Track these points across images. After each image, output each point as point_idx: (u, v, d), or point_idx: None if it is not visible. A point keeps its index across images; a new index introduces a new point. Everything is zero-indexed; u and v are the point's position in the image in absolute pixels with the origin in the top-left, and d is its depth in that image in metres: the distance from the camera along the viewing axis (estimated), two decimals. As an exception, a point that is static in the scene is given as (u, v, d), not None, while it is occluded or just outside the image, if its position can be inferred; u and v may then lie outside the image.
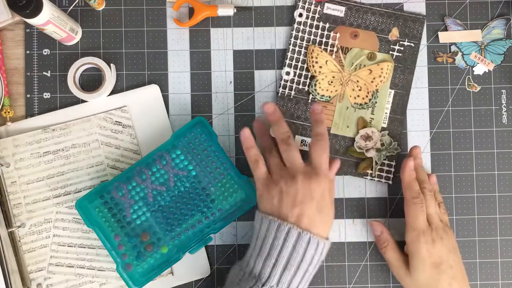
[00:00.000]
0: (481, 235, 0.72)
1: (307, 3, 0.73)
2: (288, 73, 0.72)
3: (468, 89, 0.73)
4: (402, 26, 0.73)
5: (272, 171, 0.64)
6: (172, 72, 0.73)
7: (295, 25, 0.72)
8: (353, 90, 0.72)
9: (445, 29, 0.73)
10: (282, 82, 0.72)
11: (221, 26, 0.73)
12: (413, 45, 0.73)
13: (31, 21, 0.63)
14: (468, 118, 0.73)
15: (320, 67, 0.72)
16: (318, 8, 0.73)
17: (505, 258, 0.72)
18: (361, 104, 0.72)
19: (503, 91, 0.73)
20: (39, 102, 0.72)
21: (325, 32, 0.73)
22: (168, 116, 0.72)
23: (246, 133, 0.66)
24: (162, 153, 0.69)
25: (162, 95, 0.72)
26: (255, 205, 0.71)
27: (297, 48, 0.73)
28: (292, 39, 0.72)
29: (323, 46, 0.72)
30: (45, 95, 0.72)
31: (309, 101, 0.72)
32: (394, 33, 0.72)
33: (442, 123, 0.73)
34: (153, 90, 0.72)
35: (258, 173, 0.64)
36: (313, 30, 0.73)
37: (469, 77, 0.73)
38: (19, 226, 0.70)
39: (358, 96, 0.72)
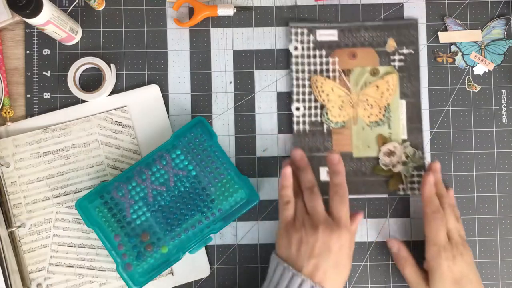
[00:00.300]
0: (481, 235, 0.72)
1: (299, 35, 0.72)
2: (298, 109, 0.72)
3: (468, 89, 0.73)
4: (396, 35, 0.72)
5: (296, 216, 0.63)
6: (172, 72, 0.73)
7: (293, 59, 0.72)
8: (364, 109, 0.72)
9: (445, 29, 0.73)
10: (295, 119, 0.72)
11: (221, 26, 0.73)
12: (412, 51, 0.72)
13: (31, 21, 0.63)
14: (468, 118, 0.73)
15: (327, 95, 0.71)
16: (311, 38, 0.72)
17: (505, 258, 0.72)
18: (376, 122, 0.72)
19: (503, 91, 0.73)
20: (39, 102, 0.72)
21: (323, 59, 0.72)
22: (168, 116, 0.72)
23: (286, 172, 0.64)
24: (162, 153, 0.69)
25: (162, 95, 0.72)
26: (255, 205, 0.71)
27: (300, 82, 0.72)
28: (294, 73, 0.72)
29: (325, 74, 0.72)
30: (45, 95, 0.72)
31: (325, 131, 0.72)
32: (391, 44, 0.72)
33: (442, 123, 0.73)
34: (153, 90, 0.72)
35: (285, 215, 0.63)
36: (311, 60, 0.72)
37: (469, 77, 0.73)
38: (19, 226, 0.70)
39: (371, 114, 0.72)
